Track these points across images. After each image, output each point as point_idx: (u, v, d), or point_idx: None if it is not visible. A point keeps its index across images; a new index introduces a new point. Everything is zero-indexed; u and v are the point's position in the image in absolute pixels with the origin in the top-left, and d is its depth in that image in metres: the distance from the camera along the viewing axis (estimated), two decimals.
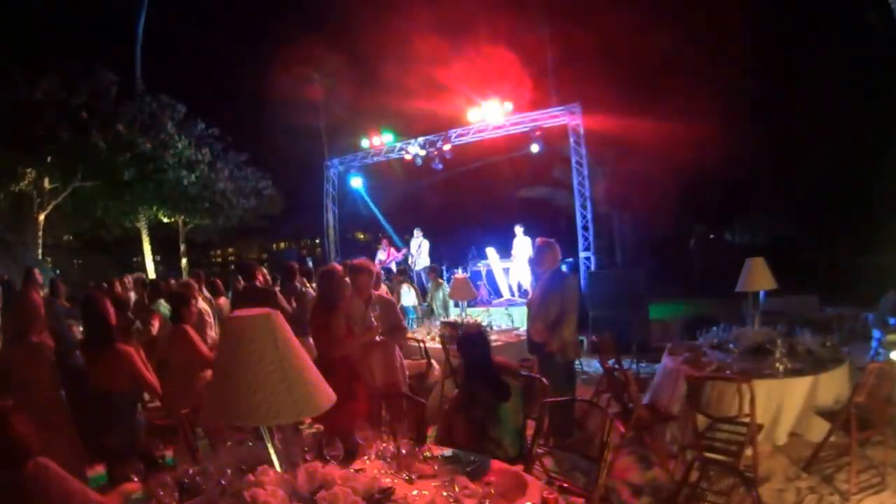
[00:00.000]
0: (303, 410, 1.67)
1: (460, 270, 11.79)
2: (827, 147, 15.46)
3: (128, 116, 14.04)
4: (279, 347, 1.68)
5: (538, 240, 5.28)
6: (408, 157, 13.93)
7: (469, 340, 3.61)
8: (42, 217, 14.48)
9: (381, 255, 13.50)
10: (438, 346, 6.07)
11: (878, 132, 14.09)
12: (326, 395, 1.76)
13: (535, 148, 12.34)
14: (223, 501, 2.03)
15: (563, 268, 8.51)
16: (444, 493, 2.12)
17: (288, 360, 1.68)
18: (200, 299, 6.03)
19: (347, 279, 4.35)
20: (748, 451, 3.68)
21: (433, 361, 6.07)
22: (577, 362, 6.39)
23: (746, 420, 3.69)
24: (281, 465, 1.96)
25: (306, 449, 2.32)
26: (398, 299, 9.35)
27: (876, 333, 5.21)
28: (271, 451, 1.89)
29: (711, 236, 21.28)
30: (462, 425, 3.30)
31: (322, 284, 4.16)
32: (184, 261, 19.01)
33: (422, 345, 6.18)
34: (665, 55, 17.64)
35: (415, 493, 2.19)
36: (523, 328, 6.60)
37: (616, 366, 4.84)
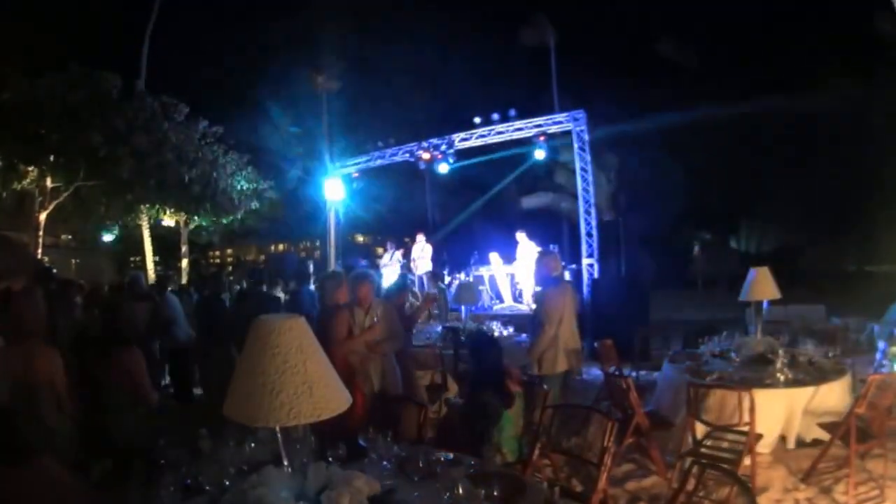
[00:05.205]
0: (322, 411, 1.73)
1: (462, 275, 11.82)
2: (835, 154, 15.47)
3: (129, 115, 14.07)
4: (303, 350, 1.75)
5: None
6: (411, 160, 13.97)
7: (484, 344, 3.61)
8: (43, 216, 14.50)
9: (385, 259, 13.56)
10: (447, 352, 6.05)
11: (887, 140, 14.08)
12: (344, 396, 1.83)
13: (540, 154, 12.35)
14: (226, 501, 2.04)
15: (567, 275, 8.50)
16: (446, 496, 2.14)
17: (310, 363, 1.75)
18: None
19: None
20: (746, 461, 3.68)
21: (448, 376, 5.90)
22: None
23: (746, 429, 3.70)
24: (290, 465, 1.98)
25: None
26: None
27: (880, 345, 5.21)
28: (283, 450, 1.92)
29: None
30: (464, 430, 3.31)
31: (330, 291, 4.21)
32: (184, 262, 19.00)
33: (437, 350, 6.08)
34: (671, 60, 17.72)
35: (416, 494, 2.21)
36: (524, 335, 6.62)
37: (617, 372, 4.85)
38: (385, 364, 4.44)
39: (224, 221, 18.28)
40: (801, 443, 4.34)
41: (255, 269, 6.76)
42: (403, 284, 5.63)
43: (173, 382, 7.11)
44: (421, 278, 12.07)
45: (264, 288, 6.03)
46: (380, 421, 3.40)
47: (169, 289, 7.61)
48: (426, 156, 13.41)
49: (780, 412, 4.22)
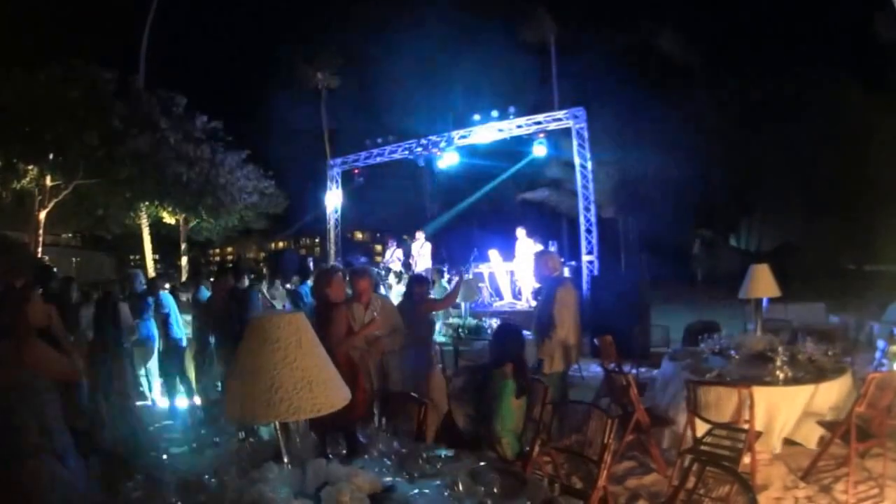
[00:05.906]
0: (322, 407, 1.73)
1: (462, 272, 11.80)
2: (836, 153, 15.45)
3: (126, 112, 14.01)
4: (302, 346, 1.76)
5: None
6: (411, 157, 13.96)
7: (508, 332, 3.66)
8: (43, 215, 14.46)
9: (386, 256, 13.59)
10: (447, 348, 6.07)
11: (887, 139, 14.05)
12: (343, 391, 1.83)
13: (541, 151, 12.33)
14: (227, 499, 2.03)
15: (567, 272, 8.47)
16: (446, 493, 2.13)
17: (310, 359, 1.76)
18: None
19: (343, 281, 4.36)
20: (746, 459, 3.68)
21: (447, 370, 5.95)
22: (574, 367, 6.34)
23: (745, 426, 3.70)
24: (289, 462, 1.97)
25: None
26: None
27: (880, 344, 5.20)
28: (282, 446, 1.92)
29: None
30: (465, 414, 3.33)
31: (319, 285, 4.18)
32: (184, 259, 18.98)
33: (437, 347, 6.11)
34: (671, 59, 17.70)
35: (416, 491, 2.20)
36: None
37: (616, 369, 4.85)
38: (386, 360, 4.44)
39: (223, 226, 18.25)
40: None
41: (226, 266, 6.76)
42: (423, 276, 5.68)
43: (168, 381, 7.09)
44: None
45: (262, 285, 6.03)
46: (379, 417, 3.41)
47: (166, 287, 7.61)
48: (426, 153, 13.41)
49: (779, 410, 4.21)
